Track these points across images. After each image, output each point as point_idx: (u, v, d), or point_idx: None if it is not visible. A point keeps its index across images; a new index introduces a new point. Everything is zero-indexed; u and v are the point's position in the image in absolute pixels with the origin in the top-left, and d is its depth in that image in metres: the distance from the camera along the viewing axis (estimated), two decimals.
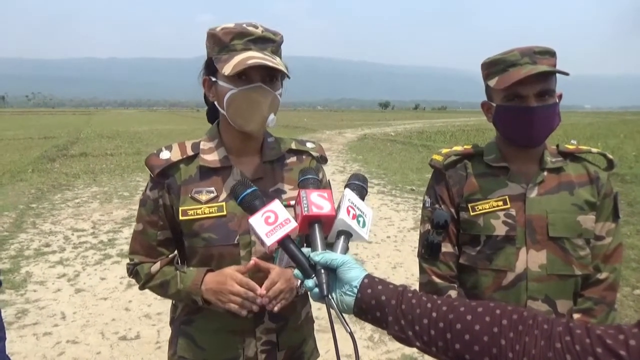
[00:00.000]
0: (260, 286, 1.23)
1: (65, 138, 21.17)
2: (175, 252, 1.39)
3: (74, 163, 13.11)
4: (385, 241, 5.96)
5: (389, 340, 3.42)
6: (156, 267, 1.32)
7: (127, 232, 6.32)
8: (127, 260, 1.39)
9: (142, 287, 1.37)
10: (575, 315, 1.37)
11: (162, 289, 1.33)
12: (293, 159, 1.41)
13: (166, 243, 1.35)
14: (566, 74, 1.31)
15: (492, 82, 1.35)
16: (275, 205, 0.94)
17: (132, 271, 1.37)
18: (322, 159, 1.47)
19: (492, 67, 1.36)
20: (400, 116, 67.75)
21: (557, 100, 1.34)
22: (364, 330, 3.60)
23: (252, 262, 1.23)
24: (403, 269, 5.00)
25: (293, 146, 1.43)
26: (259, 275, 1.26)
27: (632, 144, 16.12)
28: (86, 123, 38.97)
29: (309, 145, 1.46)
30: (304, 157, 1.43)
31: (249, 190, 0.96)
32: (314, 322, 1.53)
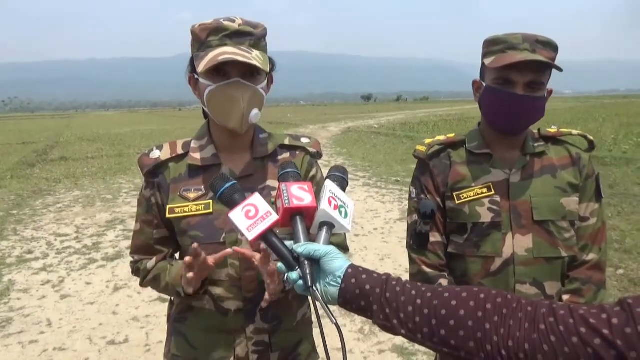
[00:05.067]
0: (252, 289, 1.26)
1: (45, 143, 20.78)
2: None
3: (54, 168, 12.89)
4: (372, 233, 5.98)
5: (379, 332, 3.43)
6: (152, 262, 1.34)
7: (112, 236, 6.24)
8: (130, 259, 1.41)
9: (141, 284, 1.38)
10: (565, 297, 1.39)
11: (155, 283, 1.34)
12: (285, 154, 1.39)
13: (163, 241, 1.35)
14: (560, 69, 1.30)
15: (488, 61, 1.34)
16: (256, 198, 0.93)
17: (134, 269, 1.39)
18: (318, 155, 1.45)
19: (492, 46, 1.35)
20: (383, 108, 67.87)
21: (545, 95, 1.34)
22: (354, 323, 3.61)
23: (229, 250, 1.15)
24: (391, 260, 5.02)
25: (286, 142, 1.41)
26: (249, 274, 1.26)
27: (610, 127, 16.43)
28: (66, 127, 38.30)
29: (304, 140, 1.45)
30: (297, 152, 1.41)
31: (228, 185, 0.94)
32: (312, 323, 1.49)
